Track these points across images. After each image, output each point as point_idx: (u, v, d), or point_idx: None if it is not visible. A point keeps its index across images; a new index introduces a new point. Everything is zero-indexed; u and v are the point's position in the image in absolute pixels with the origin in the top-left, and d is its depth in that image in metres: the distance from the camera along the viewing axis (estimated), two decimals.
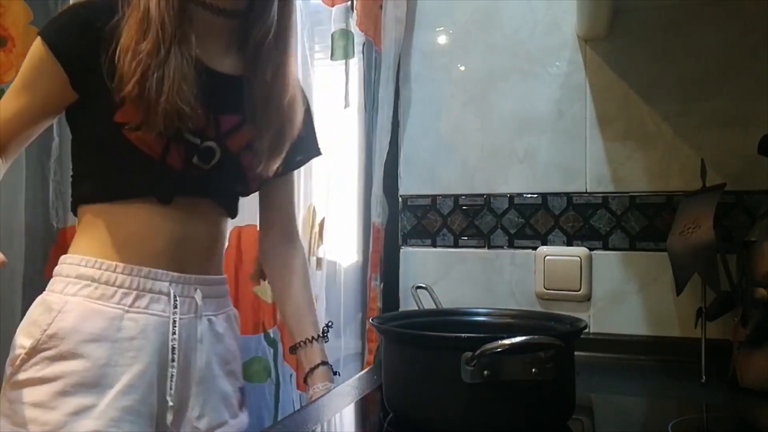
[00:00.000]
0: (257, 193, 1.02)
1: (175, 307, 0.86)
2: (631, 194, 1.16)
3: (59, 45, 0.83)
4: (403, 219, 1.30)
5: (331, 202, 1.29)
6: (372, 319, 0.82)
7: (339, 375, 1.01)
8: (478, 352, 0.64)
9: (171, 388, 0.84)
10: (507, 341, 0.64)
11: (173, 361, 0.84)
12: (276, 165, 0.94)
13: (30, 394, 0.81)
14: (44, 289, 0.87)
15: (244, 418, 0.96)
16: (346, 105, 1.28)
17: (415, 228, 1.29)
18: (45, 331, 0.82)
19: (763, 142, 0.97)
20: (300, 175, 1.30)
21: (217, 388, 0.92)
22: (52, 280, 0.88)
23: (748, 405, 0.88)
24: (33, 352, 0.81)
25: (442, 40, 1.29)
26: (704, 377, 0.93)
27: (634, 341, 1.13)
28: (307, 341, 0.99)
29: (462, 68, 1.27)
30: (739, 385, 0.90)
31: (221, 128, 0.88)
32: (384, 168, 1.28)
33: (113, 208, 0.86)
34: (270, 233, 1.06)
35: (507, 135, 1.23)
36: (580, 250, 1.18)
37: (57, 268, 0.88)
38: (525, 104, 1.22)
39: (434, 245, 1.27)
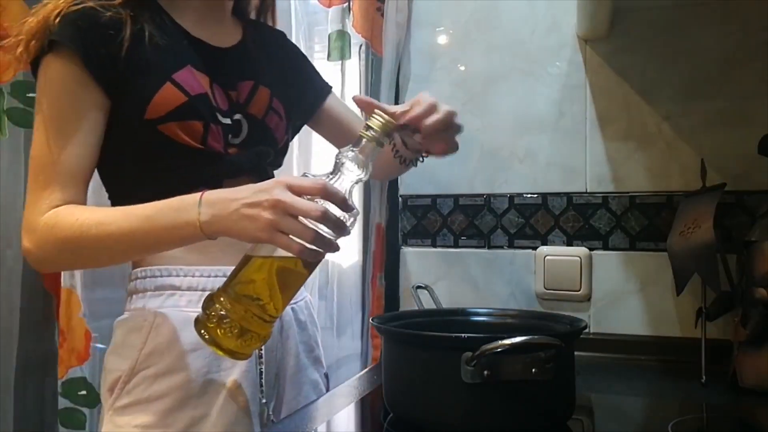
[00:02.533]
0: None
1: None
2: (631, 194, 1.16)
3: (83, 51, 0.77)
4: (403, 219, 1.30)
5: None
6: (372, 319, 0.82)
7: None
8: (478, 352, 0.64)
9: (262, 385, 0.84)
10: (507, 341, 0.64)
11: (261, 357, 0.84)
12: (299, 113, 0.99)
13: (140, 416, 0.79)
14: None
15: None
16: None
17: (415, 228, 1.29)
18: (141, 349, 0.80)
19: (763, 142, 0.97)
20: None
21: (307, 377, 0.92)
22: (128, 299, 0.86)
23: (748, 405, 0.88)
24: (133, 372, 0.80)
25: (442, 40, 1.29)
26: (704, 377, 0.93)
27: (634, 341, 1.13)
28: None
29: (462, 68, 1.27)
30: (739, 385, 0.90)
31: (240, 99, 0.87)
32: None
33: None
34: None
35: (507, 135, 1.23)
36: (580, 250, 1.18)
37: (131, 286, 0.86)
38: (525, 104, 1.22)
39: (434, 245, 1.27)
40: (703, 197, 0.99)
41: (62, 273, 1.19)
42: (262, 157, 0.89)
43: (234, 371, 0.82)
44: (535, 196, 1.21)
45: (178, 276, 0.83)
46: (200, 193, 0.71)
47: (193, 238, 0.72)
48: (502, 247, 1.23)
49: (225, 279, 0.73)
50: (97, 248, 0.76)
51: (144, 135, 0.80)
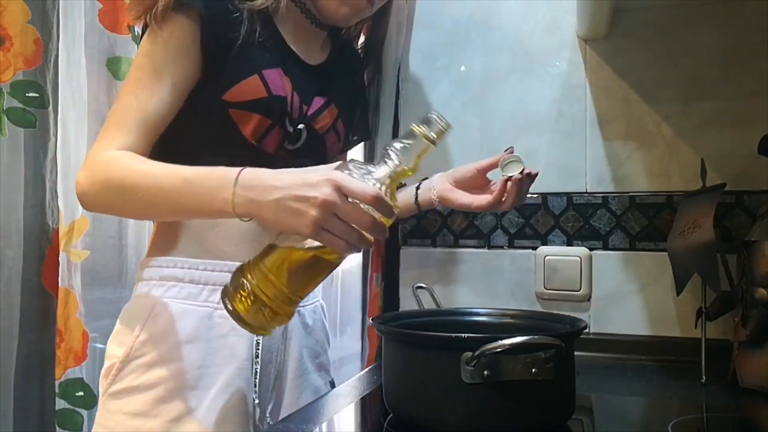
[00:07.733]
0: None
1: None
2: (631, 194, 1.16)
3: (207, 14, 0.80)
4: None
5: None
6: (372, 319, 0.82)
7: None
8: (478, 352, 0.64)
9: (255, 386, 0.84)
10: (507, 341, 0.64)
11: (257, 357, 0.84)
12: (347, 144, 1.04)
13: (130, 403, 0.80)
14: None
15: None
16: None
17: (415, 228, 1.29)
18: (137, 337, 0.81)
19: (763, 142, 0.97)
20: None
21: (310, 383, 0.92)
22: (135, 286, 0.87)
23: (748, 405, 0.88)
24: (126, 360, 0.81)
25: (442, 40, 1.29)
26: (704, 377, 0.93)
27: (634, 341, 1.13)
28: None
29: (462, 68, 1.27)
30: (739, 385, 0.90)
31: (309, 111, 0.91)
32: None
33: None
34: None
35: (507, 135, 1.23)
36: (580, 250, 1.18)
37: (139, 273, 0.87)
38: (525, 104, 1.22)
39: (434, 245, 1.27)
40: (703, 197, 0.99)
41: (60, 272, 1.19)
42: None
43: (228, 368, 0.82)
44: (535, 196, 1.21)
45: (182, 268, 0.83)
46: (238, 171, 0.70)
47: (227, 215, 0.71)
48: (502, 247, 1.23)
49: (235, 270, 0.72)
50: (135, 197, 0.75)
51: (212, 112, 0.82)
